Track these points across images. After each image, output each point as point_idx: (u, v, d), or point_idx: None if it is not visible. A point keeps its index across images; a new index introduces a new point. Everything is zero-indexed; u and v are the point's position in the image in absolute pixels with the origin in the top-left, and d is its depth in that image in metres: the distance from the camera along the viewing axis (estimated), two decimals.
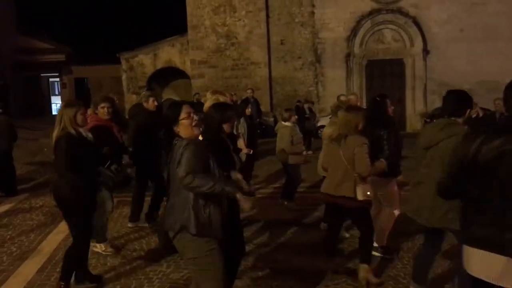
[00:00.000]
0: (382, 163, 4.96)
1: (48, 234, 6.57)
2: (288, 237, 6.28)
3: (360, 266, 4.77)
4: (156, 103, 6.96)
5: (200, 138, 3.57)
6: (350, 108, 5.12)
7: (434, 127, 3.99)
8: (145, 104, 6.91)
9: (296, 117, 8.06)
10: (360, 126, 4.71)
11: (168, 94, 22.41)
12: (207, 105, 4.65)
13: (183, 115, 3.37)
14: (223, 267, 3.40)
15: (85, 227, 4.62)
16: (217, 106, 4.23)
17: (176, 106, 3.46)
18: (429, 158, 3.91)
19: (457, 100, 3.95)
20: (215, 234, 3.38)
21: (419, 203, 3.98)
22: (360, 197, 4.62)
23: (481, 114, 9.01)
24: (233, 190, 3.32)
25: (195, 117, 3.41)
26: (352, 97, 7.36)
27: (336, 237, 5.52)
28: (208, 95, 5.12)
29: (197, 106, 8.08)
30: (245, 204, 3.44)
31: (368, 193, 4.65)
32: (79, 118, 4.47)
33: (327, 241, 5.52)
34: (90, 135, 4.66)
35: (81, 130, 4.53)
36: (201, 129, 3.52)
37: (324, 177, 6.23)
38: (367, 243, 4.84)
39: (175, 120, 3.39)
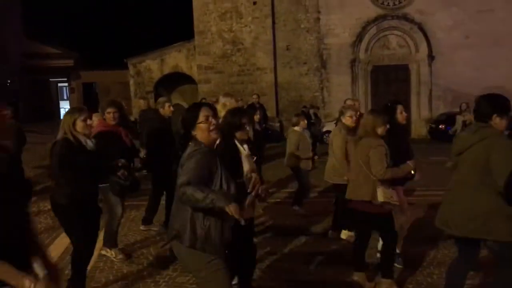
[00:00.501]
0: (408, 166, 4.72)
1: (56, 237, 6.58)
2: (296, 245, 6.17)
3: (383, 281, 4.59)
4: (171, 109, 6.93)
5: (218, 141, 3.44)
6: (372, 110, 5.09)
7: (468, 132, 3.86)
8: (161, 110, 6.84)
9: (305, 121, 7.91)
10: (380, 130, 4.59)
11: (175, 99, 22.50)
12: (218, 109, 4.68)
13: (200, 118, 3.13)
14: (226, 275, 3.20)
15: (85, 235, 4.45)
16: (230, 112, 4.19)
17: (194, 108, 3.23)
18: (461, 164, 3.77)
19: (483, 105, 3.78)
20: (213, 251, 3.10)
21: (451, 212, 3.77)
22: (380, 198, 4.41)
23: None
24: (224, 204, 2.88)
25: (213, 121, 3.16)
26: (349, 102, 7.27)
27: (365, 248, 4.97)
28: (220, 98, 5.21)
29: None
30: (236, 215, 2.92)
31: (392, 196, 4.46)
32: (79, 125, 4.34)
33: (357, 254, 4.90)
34: (90, 144, 4.46)
35: (80, 138, 4.36)
36: (219, 134, 3.30)
37: (333, 183, 6.26)
38: (389, 256, 4.61)
39: (193, 123, 3.15)
